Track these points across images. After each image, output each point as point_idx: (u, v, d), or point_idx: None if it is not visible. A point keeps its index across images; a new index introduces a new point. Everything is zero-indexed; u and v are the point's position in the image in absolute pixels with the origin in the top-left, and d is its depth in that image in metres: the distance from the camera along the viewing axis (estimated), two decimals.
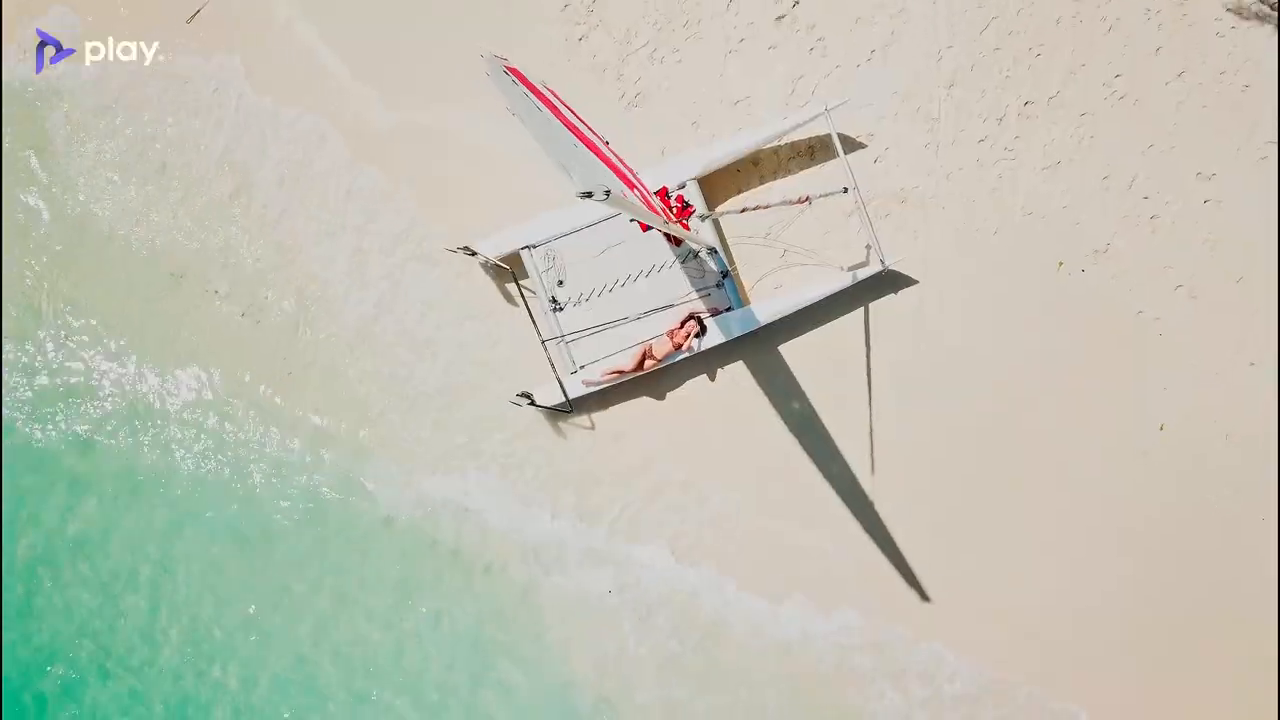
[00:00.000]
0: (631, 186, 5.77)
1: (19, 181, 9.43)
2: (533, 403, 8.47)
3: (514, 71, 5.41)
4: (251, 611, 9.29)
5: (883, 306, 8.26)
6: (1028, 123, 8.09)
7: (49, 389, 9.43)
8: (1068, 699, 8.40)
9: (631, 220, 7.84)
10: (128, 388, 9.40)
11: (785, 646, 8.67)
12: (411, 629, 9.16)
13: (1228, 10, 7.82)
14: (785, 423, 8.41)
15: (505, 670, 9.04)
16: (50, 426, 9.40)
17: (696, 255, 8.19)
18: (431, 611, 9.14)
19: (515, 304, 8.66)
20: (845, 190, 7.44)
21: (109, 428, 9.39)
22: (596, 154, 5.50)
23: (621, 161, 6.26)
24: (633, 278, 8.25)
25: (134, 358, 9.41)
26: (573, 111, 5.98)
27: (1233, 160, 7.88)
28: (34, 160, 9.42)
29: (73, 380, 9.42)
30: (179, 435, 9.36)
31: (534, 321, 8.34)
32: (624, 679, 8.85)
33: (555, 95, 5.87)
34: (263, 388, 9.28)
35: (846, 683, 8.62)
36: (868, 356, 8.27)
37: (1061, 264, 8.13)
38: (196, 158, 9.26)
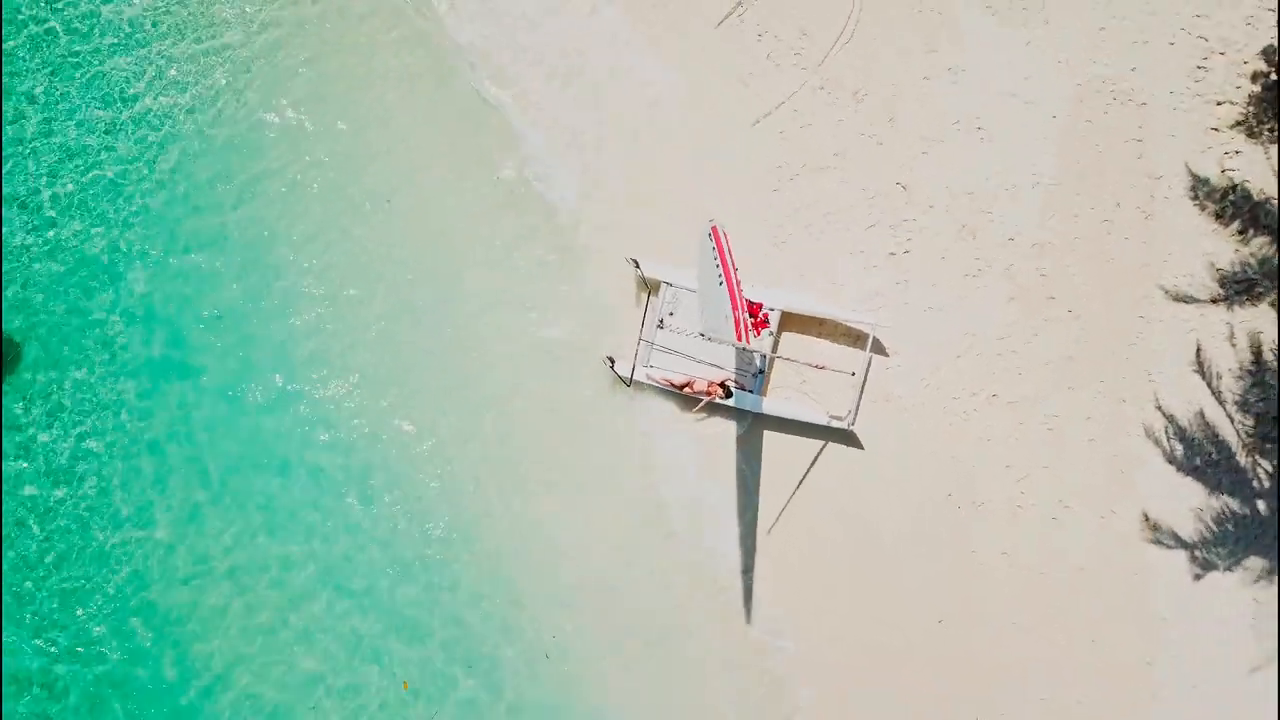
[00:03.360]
0: (735, 309, 10.08)
1: None
2: (611, 366, 12.94)
3: (714, 231, 9.80)
4: None
5: (834, 450, 12.48)
6: (988, 406, 12.09)
7: None
8: None
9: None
10: None
11: None
12: None
13: (1144, 426, 11.66)
14: (735, 473, 12.79)
15: None
16: None
17: (750, 352, 12.47)
18: None
19: (639, 306, 13.07)
20: (853, 374, 11.67)
21: None
22: (728, 283, 9.88)
23: (739, 285, 10.50)
24: (710, 339, 12.58)
25: None
26: (729, 249, 10.24)
27: (1085, 505, 11.83)
28: None
29: None
30: None
31: (642, 322, 12.77)
32: None
33: (726, 237, 10.19)
34: None
35: None
36: (807, 471, 12.55)
37: (950, 495, 12.20)
38: None
